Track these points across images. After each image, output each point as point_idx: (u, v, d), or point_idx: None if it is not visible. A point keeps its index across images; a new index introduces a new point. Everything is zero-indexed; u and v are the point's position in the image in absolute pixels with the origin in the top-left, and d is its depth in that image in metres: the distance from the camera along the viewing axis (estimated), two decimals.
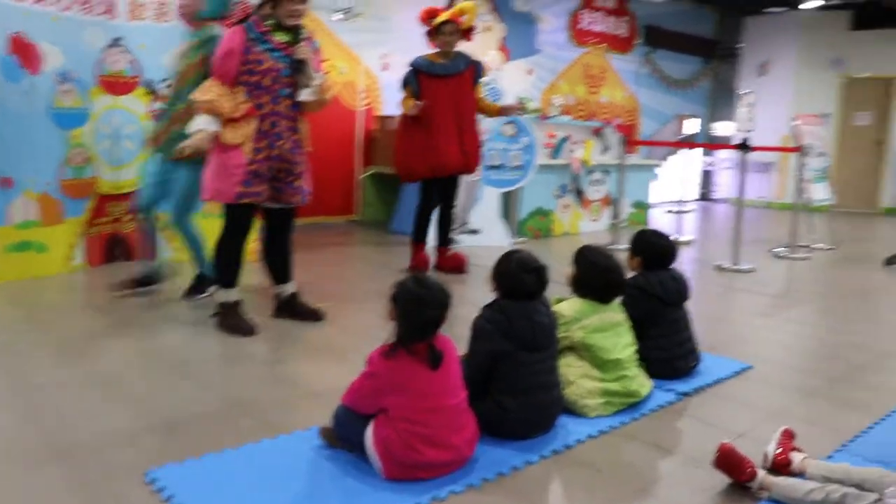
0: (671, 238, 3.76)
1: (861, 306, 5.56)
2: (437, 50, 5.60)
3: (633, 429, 2.97)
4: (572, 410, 3.01)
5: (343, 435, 2.51)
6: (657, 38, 12.22)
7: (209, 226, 4.65)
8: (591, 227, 8.77)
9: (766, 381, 3.65)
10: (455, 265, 5.94)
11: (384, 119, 8.37)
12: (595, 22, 11.02)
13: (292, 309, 4.31)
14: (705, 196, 14.03)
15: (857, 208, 12.64)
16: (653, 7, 11.88)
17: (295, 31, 3.94)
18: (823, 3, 10.64)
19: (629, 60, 11.91)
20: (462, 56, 5.67)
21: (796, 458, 2.58)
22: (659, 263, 3.66)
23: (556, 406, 2.84)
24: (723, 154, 13.86)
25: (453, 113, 5.58)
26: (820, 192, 8.41)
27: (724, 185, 14.35)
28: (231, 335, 3.98)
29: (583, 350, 3.13)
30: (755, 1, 12.27)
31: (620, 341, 3.21)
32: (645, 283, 3.57)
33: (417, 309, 2.39)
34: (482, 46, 8.92)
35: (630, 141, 7.87)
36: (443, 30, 5.48)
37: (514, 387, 2.72)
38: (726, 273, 6.57)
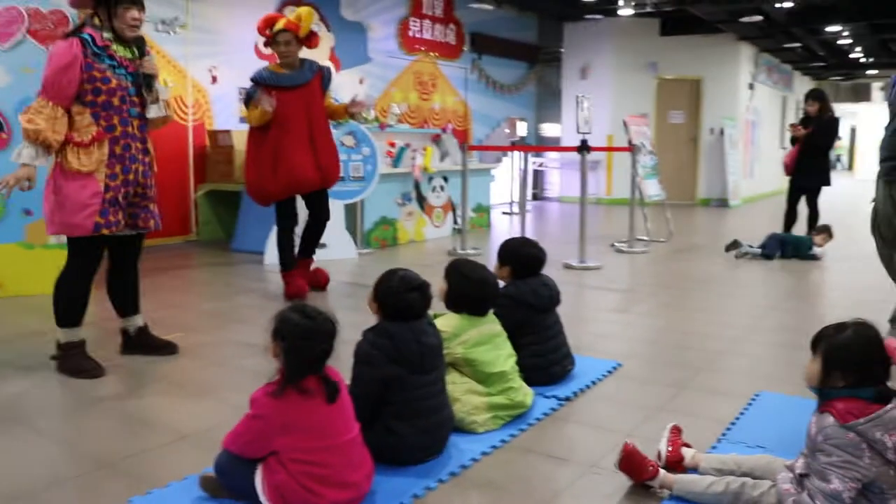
0: (538, 244, 3.75)
1: (704, 294, 5.86)
2: (278, 61, 5.27)
3: (524, 441, 2.91)
4: (460, 428, 2.90)
5: (229, 484, 2.26)
6: (483, 44, 12.47)
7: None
8: (436, 234, 8.77)
9: (637, 378, 3.72)
10: (315, 280, 5.65)
11: (216, 134, 7.96)
12: (423, 30, 11.06)
13: (143, 343, 3.93)
14: (537, 196, 14.49)
15: (678, 201, 13.47)
16: (477, 14, 12.10)
17: (137, 44, 3.62)
18: (635, 11, 11.23)
19: (458, 67, 12.07)
20: (308, 63, 5.33)
21: (688, 453, 2.61)
22: (529, 271, 3.63)
23: (447, 426, 2.73)
24: (552, 154, 14.38)
25: (306, 126, 5.22)
26: (652, 188, 8.84)
27: (555, 184, 14.90)
28: (76, 378, 3.57)
29: (465, 366, 3.04)
30: (574, 8, 12.78)
31: (501, 353, 3.15)
32: (516, 291, 3.52)
33: (306, 343, 2.20)
34: (312, 57, 8.68)
35: (470, 146, 7.92)
36: (277, 39, 5.14)
37: (406, 412, 2.57)
38: (575, 271, 6.73)
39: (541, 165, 14.59)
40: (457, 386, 2.98)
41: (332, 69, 5.59)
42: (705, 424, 3.07)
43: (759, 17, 11.29)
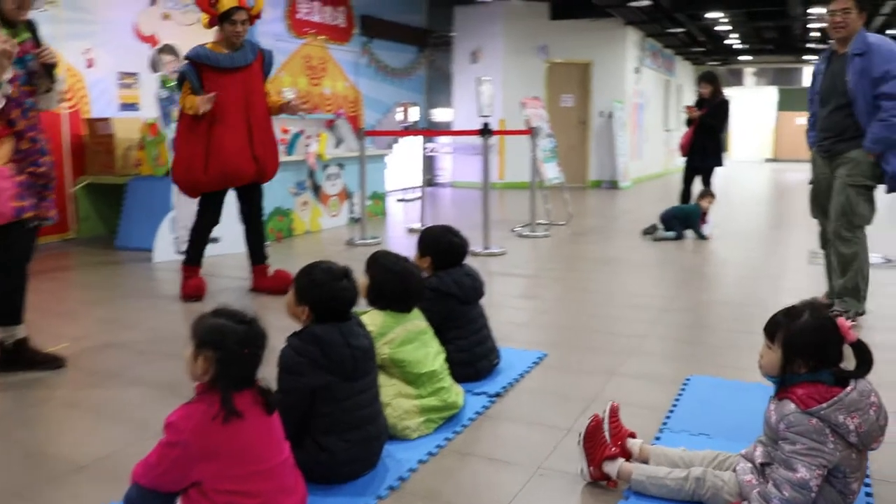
0: (459, 233, 3.56)
1: (612, 277, 5.84)
2: (218, 40, 4.78)
3: (461, 444, 2.72)
4: (392, 435, 2.68)
5: None
6: (373, 27, 12.16)
7: None
8: (332, 223, 8.47)
9: (564, 368, 3.60)
10: (280, 284, 5.03)
11: (94, 122, 7.37)
12: (312, 12, 10.66)
13: (24, 357, 3.49)
14: (430, 182, 14.32)
15: (570, 183, 13.58)
16: None
17: (28, 28, 3.24)
18: None
19: (348, 51, 11.71)
20: (249, 44, 4.85)
21: (634, 445, 2.49)
22: (451, 261, 3.45)
23: (383, 437, 2.50)
24: (443, 139, 14.23)
25: (243, 113, 4.78)
26: (551, 171, 8.82)
27: (447, 169, 14.78)
28: None
29: (392, 367, 2.82)
30: None
31: (430, 351, 2.94)
32: (440, 283, 3.33)
33: (245, 351, 1.93)
34: (195, 40, 8.17)
35: (367, 132, 7.65)
36: (233, 18, 4.65)
37: (338, 424, 2.33)
38: (480, 258, 6.59)
39: (432, 151, 14.39)
40: (385, 389, 2.75)
41: (273, 52, 5.15)
42: (643, 413, 2.96)
43: (647, 2, 11.46)
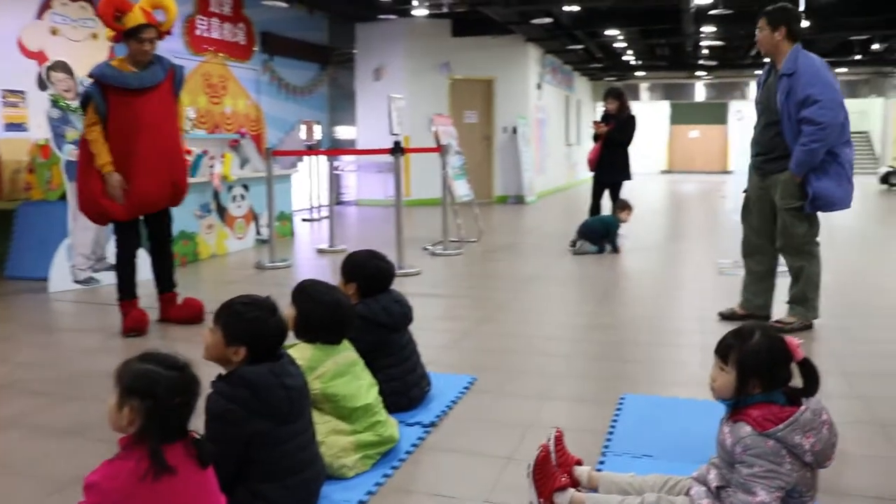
0: (385, 257, 3.43)
1: (531, 295, 5.80)
2: (123, 57, 4.48)
3: (400, 480, 2.58)
4: (328, 475, 2.51)
5: None
6: (274, 44, 11.89)
7: None
8: (239, 246, 8.18)
9: (495, 392, 3.51)
10: (191, 314, 4.83)
11: None
12: (211, 29, 10.33)
13: None
14: (335, 200, 14.10)
15: (477, 199, 13.63)
16: (268, 13, 11.51)
17: None
18: (430, 11, 11.21)
19: (249, 68, 11.41)
20: (158, 60, 4.55)
21: (583, 473, 2.41)
22: (378, 287, 3.31)
23: (321, 479, 2.34)
24: (347, 157, 14.05)
25: (155, 135, 4.47)
26: (461, 189, 8.78)
27: (351, 187, 14.60)
28: None
29: (324, 402, 2.65)
30: (366, 8, 12.54)
31: (363, 383, 2.79)
32: (368, 311, 3.18)
33: (176, 401, 1.75)
34: (87, 56, 7.76)
35: (275, 151, 7.41)
36: (141, 36, 4.35)
37: (275, 470, 2.15)
38: (395, 279, 6.44)
39: (337, 169, 14.21)
40: (319, 427, 2.57)
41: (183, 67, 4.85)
42: (582, 437, 2.89)
43: (548, 20, 11.63)
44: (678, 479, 2.28)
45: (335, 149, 13.33)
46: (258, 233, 8.50)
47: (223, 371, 2.22)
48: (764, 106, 4.38)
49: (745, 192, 4.67)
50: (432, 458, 2.78)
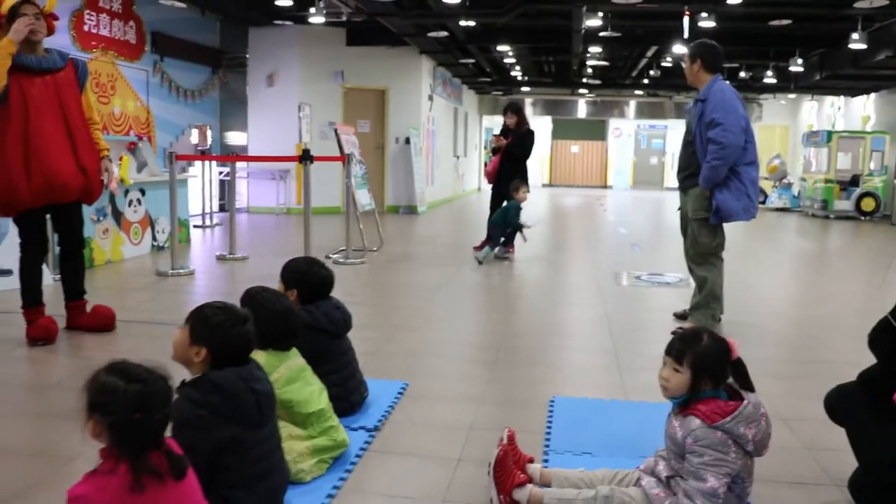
0: (324, 264, 3.47)
1: (443, 302, 5.94)
2: (13, 37, 4.15)
3: (356, 483, 2.64)
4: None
5: None
6: (164, 45, 11.55)
7: None
8: (134, 252, 7.92)
9: (431, 397, 3.61)
10: (102, 322, 4.62)
11: None
12: (100, 25, 9.94)
13: None
14: (224, 207, 13.82)
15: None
16: (159, 12, 11.18)
17: None
18: (325, 19, 11.21)
19: (139, 69, 11.05)
20: (57, 52, 4.39)
21: (535, 471, 2.55)
22: (318, 293, 3.35)
23: (286, 484, 2.37)
24: (239, 164, 13.81)
25: (61, 119, 4.27)
26: (364, 198, 8.82)
27: (242, 194, 14.33)
28: None
29: (279, 409, 2.67)
30: (260, 12, 12.39)
31: (314, 389, 2.84)
32: (310, 318, 3.21)
33: (141, 415, 1.72)
34: None
35: (178, 155, 7.23)
36: (22, 11, 4.12)
37: (245, 476, 2.17)
38: None
39: (227, 175, 13.95)
40: None
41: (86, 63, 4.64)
42: (521, 437, 3.01)
43: (444, 33, 11.85)
44: (626, 473, 2.46)
45: (228, 155, 13.05)
46: (154, 239, 8.26)
47: (187, 377, 2.22)
48: (687, 131, 4.90)
49: (679, 210, 5.13)
50: (383, 461, 2.85)
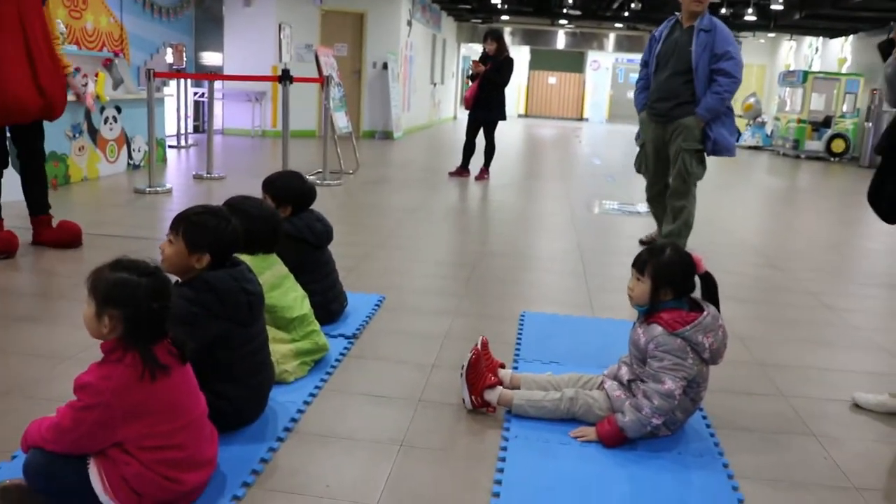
0: (305, 177, 3.56)
1: (421, 224, 6.06)
2: None
3: (337, 383, 2.80)
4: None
5: (49, 489, 1.83)
6: None
7: None
8: (111, 170, 7.91)
9: (407, 309, 3.76)
10: (67, 237, 4.62)
11: None
12: None
13: None
14: (198, 128, 13.71)
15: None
16: None
17: None
18: None
19: None
20: None
21: (505, 375, 2.72)
22: (302, 206, 3.44)
23: (271, 382, 2.51)
24: (216, 84, 13.64)
25: (20, 37, 4.19)
26: (341, 121, 8.83)
27: (217, 116, 14.19)
28: None
29: (265, 313, 2.80)
30: None
31: (297, 295, 2.97)
32: (293, 228, 3.32)
33: (154, 305, 1.82)
34: None
35: (157, 73, 7.17)
36: None
37: (235, 371, 2.31)
38: None
39: (202, 96, 13.78)
40: None
41: None
42: (494, 346, 3.17)
43: None
44: (590, 377, 2.64)
45: (222, 74, 12.87)
46: (130, 157, 8.24)
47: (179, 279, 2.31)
48: (668, 58, 4.88)
49: (639, 142, 5.15)
50: (361, 365, 3.01)
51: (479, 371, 2.59)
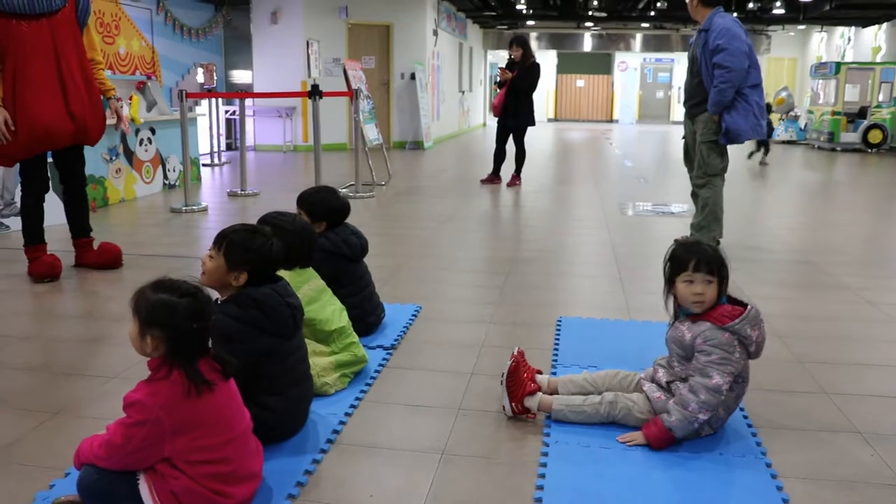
0: (339, 192, 3.60)
1: (455, 233, 6.09)
2: None
3: (377, 394, 2.83)
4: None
5: None
6: None
7: None
8: (147, 191, 8.06)
9: (443, 319, 3.79)
10: (108, 259, 4.72)
11: None
12: None
13: None
14: (231, 146, 13.91)
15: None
16: None
17: None
18: None
19: (142, 7, 11.03)
20: None
21: (543, 380, 2.73)
22: (338, 220, 3.49)
23: (312, 394, 2.55)
24: (247, 101, 13.84)
25: (53, 65, 4.25)
26: (372, 133, 8.90)
27: (249, 133, 14.40)
28: None
29: (304, 326, 2.84)
30: None
31: (335, 308, 3.01)
32: (329, 243, 3.37)
33: (191, 325, 1.87)
34: None
35: (189, 94, 7.32)
36: None
37: (279, 384, 2.35)
38: None
39: (233, 114, 13.99)
40: None
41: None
42: (532, 353, 3.19)
43: None
44: (627, 374, 2.64)
45: (251, 93, 13.07)
46: (165, 177, 8.40)
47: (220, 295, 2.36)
48: (692, 62, 5.13)
49: (683, 139, 5.41)
50: (400, 376, 3.04)
51: (519, 379, 2.60)
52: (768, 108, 16.17)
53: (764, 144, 11.93)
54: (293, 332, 2.38)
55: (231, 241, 2.30)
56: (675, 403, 2.35)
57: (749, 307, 2.36)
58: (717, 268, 2.35)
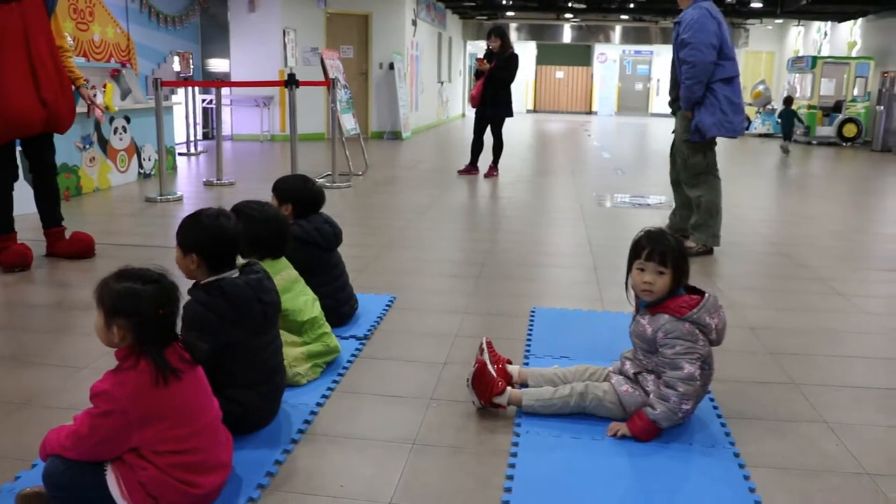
0: (314, 180, 3.58)
1: (431, 223, 6.09)
2: None
3: (349, 385, 2.82)
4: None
5: (69, 496, 1.87)
6: None
7: None
8: (122, 180, 7.97)
9: (417, 309, 3.79)
10: (80, 248, 4.66)
11: None
12: None
13: None
14: (207, 135, 13.79)
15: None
16: None
17: None
18: None
19: None
20: None
21: (513, 370, 2.73)
22: (310, 209, 3.47)
23: (284, 386, 2.54)
24: (224, 91, 13.72)
25: (23, 52, 4.20)
26: (349, 123, 8.86)
27: (225, 122, 14.28)
28: None
29: None
30: None
31: (308, 298, 3.00)
32: (302, 231, 3.35)
33: (157, 312, 1.85)
34: None
35: (164, 82, 7.23)
36: None
37: (249, 378, 2.33)
38: None
39: (210, 103, 13.87)
40: None
41: None
42: (504, 343, 3.20)
43: None
44: (596, 368, 2.65)
45: (227, 81, 12.95)
46: (140, 166, 8.31)
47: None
48: (674, 57, 5.03)
49: (672, 132, 5.33)
50: (373, 366, 3.03)
51: (487, 380, 2.54)
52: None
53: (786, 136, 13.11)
54: (263, 327, 2.36)
55: (180, 226, 2.29)
56: (655, 397, 2.36)
57: (707, 295, 2.38)
58: (671, 259, 2.36)
